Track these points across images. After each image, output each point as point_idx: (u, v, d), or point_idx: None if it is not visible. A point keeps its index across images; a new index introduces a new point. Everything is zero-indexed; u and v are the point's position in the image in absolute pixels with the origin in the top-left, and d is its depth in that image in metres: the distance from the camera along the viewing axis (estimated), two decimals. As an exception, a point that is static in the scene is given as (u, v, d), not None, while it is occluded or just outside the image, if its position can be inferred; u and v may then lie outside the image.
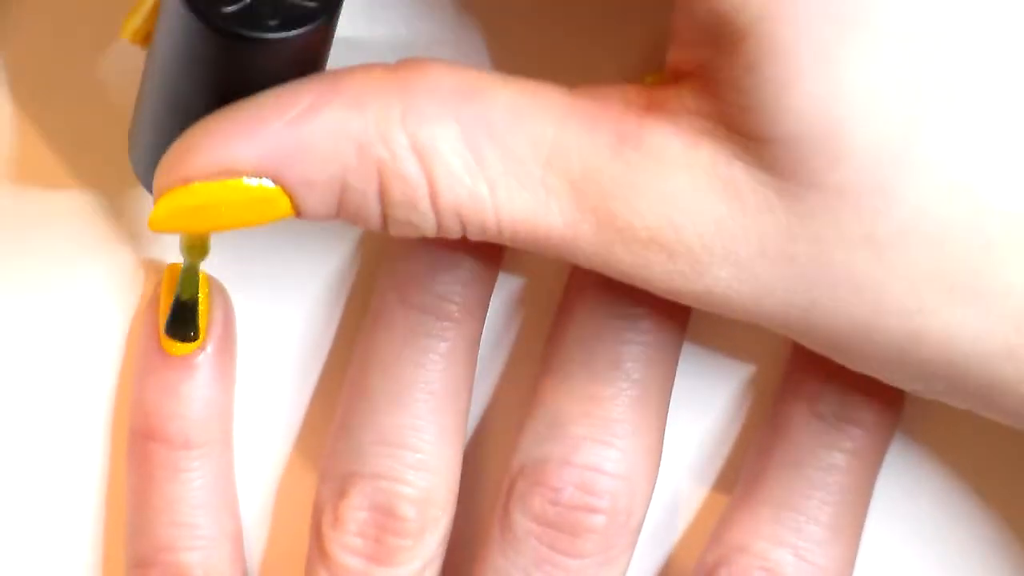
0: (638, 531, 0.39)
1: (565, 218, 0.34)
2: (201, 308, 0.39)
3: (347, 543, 0.38)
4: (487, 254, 0.39)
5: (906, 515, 0.40)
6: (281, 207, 0.34)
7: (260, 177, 0.33)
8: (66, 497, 0.42)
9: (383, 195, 0.34)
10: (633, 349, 0.38)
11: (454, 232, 0.34)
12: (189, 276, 0.39)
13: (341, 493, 0.38)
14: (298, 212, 0.34)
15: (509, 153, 0.34)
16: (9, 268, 0.41)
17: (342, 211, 0.34)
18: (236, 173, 0.33)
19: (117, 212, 0.40)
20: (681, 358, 0.39)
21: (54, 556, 0.42)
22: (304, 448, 0.41)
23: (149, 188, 0.35)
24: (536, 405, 0.39)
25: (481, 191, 0.34)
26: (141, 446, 0.40)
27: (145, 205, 0.40)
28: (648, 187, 0.33)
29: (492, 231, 0.34)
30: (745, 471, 0.40)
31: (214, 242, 0.40)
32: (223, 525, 0.40)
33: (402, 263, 0.38)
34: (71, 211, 0.40)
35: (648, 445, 0.38)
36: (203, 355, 0.40)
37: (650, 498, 0.39)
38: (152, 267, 0.40)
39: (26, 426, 0.41)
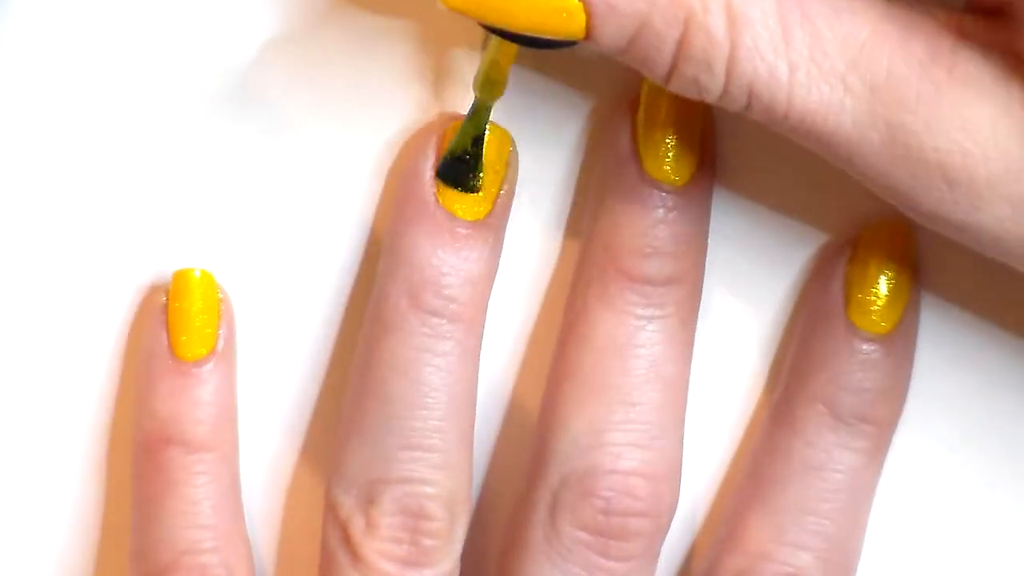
0: (668, 527, 0.39)
1: (856, 120, 0.33)
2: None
3: (383, 549, 0.38)
4: (491, 251, 0.39)
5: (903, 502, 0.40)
6: (575, 24, 0.33)
7: None
8: (60, 510, 0.42)
9: (681, 46, 0.33)
10: (667, 351, 0.38)
11: (736, 103, 0.34)
12: (478, 116, 0.38)
13: (370, 500, 0.39)
14: (588, 34, 0.33)
15: (818, 42, 0.33)
16: (8, 274, 0.41)
17: (632, 49, 0.34)
18: None
19: (114, 222, 0.40)
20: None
21: (49, 569, 0.42)
22: (303, 451, 0.41)
23: None
24: (565, 415, 0.39)
25: (780, 71, 0.33)
26: (157, 453, 0.40)
27: (143, 214, 0.40)
28: (949, 111, 0.33)
29: (778, 114, 0.34)
30: (758, 472, 0.39)
31: (213, 245, 0.40)
32: (237, 525, 0.40)
33: (409, 268, 0.38)
34: (66, 220, 0.40)
35: (678, 442, 0.39)
36: (215, 358, 0.40)
37: (679, 493, 0.39)
38: (151, 274, 0.40)
39: (17, 437, 0.41)
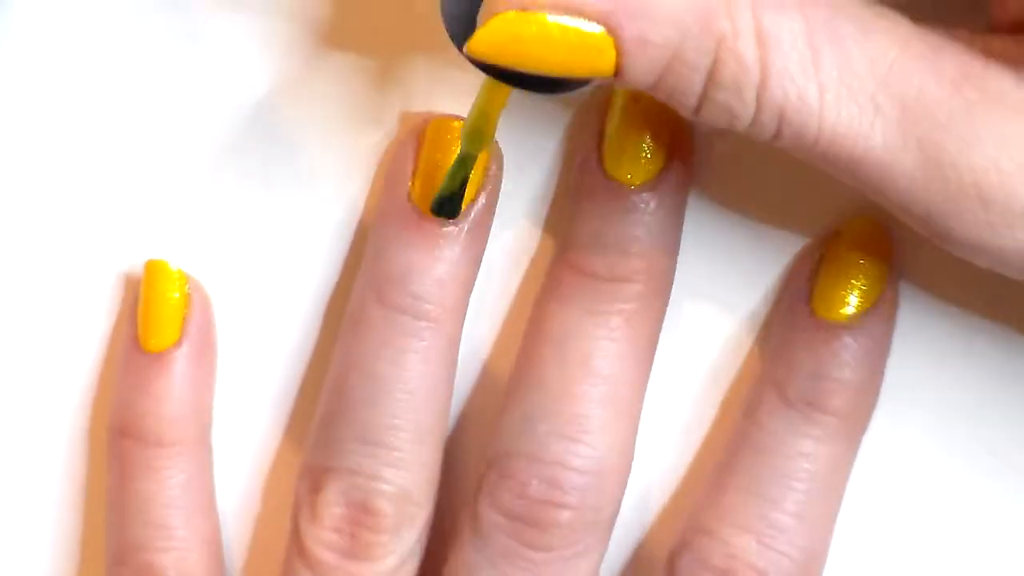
0: (609, 526, 0.38)
1: (887, 142, 0.33)
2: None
3: (323, 538, 0.38)
4: (465, 254, 0.38)
5: (884, 509, 0.40)
6: (605, 61, 0.32)
7: (599, 24, 0.32)
8: (46, 495, 0.42)
9: (713, 73, 0.32)
10: (603, 345, 0.38)
11: (766, 131, 0.33)
12: (465, 164, 0.37)
13: (317, 488, 0.38)
14: (619, 72, 0.32)
15: (848, 63, 0.33)
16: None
17: (662, 82, 0.33)
18: (578, 13, 0.32)
19: (103, 212, 0.40)
20: (659, 349, 0.39)
21: (31, 555, 0.42)
22: (286, 448, 0.41)
23: (454, 34, 0.34)
24: (507, 401, 0.39)
25: (811, 94, 0.32)
26: (117, 443, 0.40)
27: (127, 206, 0.40)
28: (983, 128, 0.33)
29: (809, 139, 0.33)
30: (718, 458, 0.39)
31: (205, 242, 0.40)
32: (197, 527, 0.40)
33: (379, 263, 0.38)
34: (57, 210, 0.40)
35: (618, 442, 0.38)
36: (179, 353, 0.39)
37: (622, 494, 0.38)
38: (135, 266, 0.40)
39: (8, 423, 0.41)
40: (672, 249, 0.39)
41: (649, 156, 0.38)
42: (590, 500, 0.38)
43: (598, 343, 0.38)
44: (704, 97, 0.33)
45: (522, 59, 0.32)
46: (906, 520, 0.40)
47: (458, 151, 0.37)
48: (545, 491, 0.37)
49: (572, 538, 0.38)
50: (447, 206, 0.37)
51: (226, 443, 0.41)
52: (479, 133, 0.35)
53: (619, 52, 0.32)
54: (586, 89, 0.35)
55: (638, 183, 0.38)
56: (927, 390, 0.40)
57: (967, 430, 0.40)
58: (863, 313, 0.38)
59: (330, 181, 0.40)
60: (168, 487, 0.39)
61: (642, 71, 0.32)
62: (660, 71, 0.32)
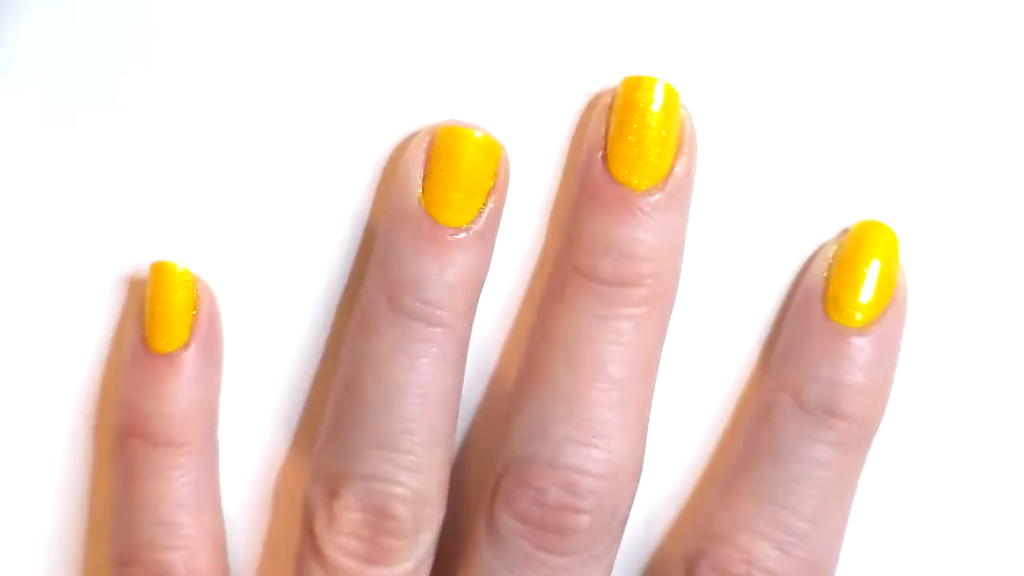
0: (622, 528, 0.39)
1: None
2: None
3: (342, 543, 0.38)
4: (475, 258, 0.39)
5: (893, 510, 0.40)
6: None
7: None
8: (49, 496, 0.42)
9: None
10: (614, 350, 0.38)
11: None
12: None
13: (334, 493, 0.39)
14: None
15: None
16: (7, 268, 0.41)
17: None
18: None
19: (109, 211, 0.40)
20: (666, 352, 0.39)
21: (35, 555, 0.42)
22: (293, 448, 0.41)
23: None
24: (519, 405, 0.39)
25: None
26: (124, 443, 0.40)
27: (135, 207, 0.40)
28: None
29: None
30: (730, 463, 0.39)
31: (212, 241, 0.40)
32: (206, 525, 0.40)
33: (390, 269, 0.39)
34: (61, 210, 0.41)
35: (631, 444, 0.38)
36: (186, 353, 0.40)
37: (634, 494, 0.39)
38: (141, 266, 0.41)
39: (12, 424, 0.41)
40: (678, 251, 0.39)
41: (655, 159, 0.38)
42: (606, 503, 0.38)
43: (608, 347, 0.38)
44: None
45: None
46: (910, 520, 0.40)
47: (468, 154, 0.38)
48: (563, 498, 0.38)
49: (590, 541, 0.38)
50: None
51: (233, 443, 0.41)
52: None
53: None
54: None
55: (644, 187, 0.38)
56: (929, 390, 0.40)
57: (970, 430, 0.40)
58: (876, 316, 0.38)
59: (338, 183, 0.40)
60: (178, 486, 0.40)
61: None
62: None
